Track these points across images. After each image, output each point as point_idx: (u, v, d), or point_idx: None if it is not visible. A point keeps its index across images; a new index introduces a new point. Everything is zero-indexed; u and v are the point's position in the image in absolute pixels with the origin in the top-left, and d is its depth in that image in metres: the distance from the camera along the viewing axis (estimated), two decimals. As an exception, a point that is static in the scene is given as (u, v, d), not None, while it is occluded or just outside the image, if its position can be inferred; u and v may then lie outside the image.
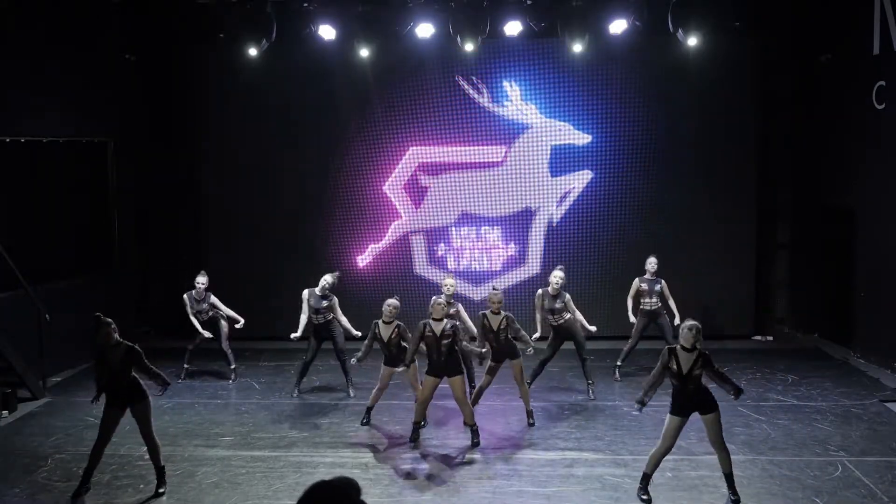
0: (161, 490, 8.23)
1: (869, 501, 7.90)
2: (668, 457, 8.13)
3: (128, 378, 8.14)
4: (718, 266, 14.07)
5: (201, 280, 11.91)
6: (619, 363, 12.02)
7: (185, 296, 11.99)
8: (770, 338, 14.36)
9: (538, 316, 11.09)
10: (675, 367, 7.75)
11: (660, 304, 11.77)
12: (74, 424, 10.28)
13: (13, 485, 8.48)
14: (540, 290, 11.06)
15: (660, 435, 7.96)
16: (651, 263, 11.82)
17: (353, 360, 10.11)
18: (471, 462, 9.06)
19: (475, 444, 9.47)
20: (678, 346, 7.81)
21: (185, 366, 12.10)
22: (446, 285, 10.97)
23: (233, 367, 12.15)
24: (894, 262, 12.01)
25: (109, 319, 8.16)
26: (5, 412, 10.59)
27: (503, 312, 9.93)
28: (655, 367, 7.94)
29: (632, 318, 11.98)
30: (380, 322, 9.92)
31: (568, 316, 10.93)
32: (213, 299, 12.00)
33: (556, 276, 10.91)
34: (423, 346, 9.55)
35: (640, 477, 8.13)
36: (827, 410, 10.54)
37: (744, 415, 10.35)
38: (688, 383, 7.73)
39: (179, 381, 11.91)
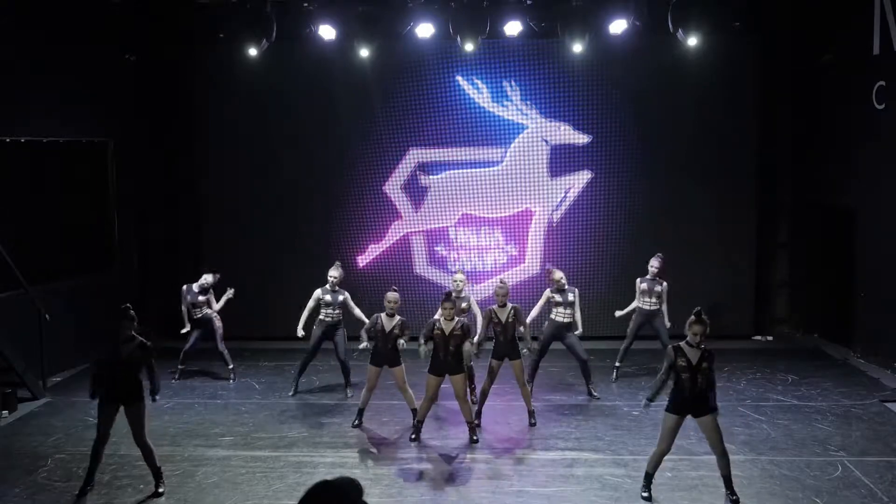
0: (160, 490, 8.23)
1: (869, 501, 7.90)
2: (668, 457, 8.13)
3: (134, 374, 8.13)
4: (718, 266, 14.07)
5: (208, 279, 11.94)
6: (617, 364, 12.01)
7: (183, 287, 11.99)
8: (770, 338, 14.36)
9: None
10: (683, 362, 7.71)
11: (658, 306, 11.73)
12: (74, 424, 10.28)
13: (13, 485, 8.48)
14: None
15: (658, 435, 7.97)
16: (653, 264, 11.77)
17: (363, 345, 10.02)
18: (471, 462, 9.06)
19: (474, 442, 9.48)
20: (683, 343, 7.79)
21: (179, 366, 12.06)
22: (455, 281, 10.96)
23: (230, 367, 12.13)
24: (894, 262, 12.02)
25: (134, 314, 8.18)
26: (5, 412, 10.59)
27: (509, 304, 9.99)
28: (663, 367, 7.92)
29: (620, 313, 11.88)
30: (382, 315, 9.91)
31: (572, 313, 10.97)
32: (210, 297, 12.03)
33: (556, 276, 10.93)
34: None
35: (640, 477, 8.14)
36: (827, 410, 10.54)
37: (744, 415, 10.36)
38: (698, 377, 7.68)
39: (174, 381, 11.91)
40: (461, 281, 10.98)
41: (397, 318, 9.89)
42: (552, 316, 11.02)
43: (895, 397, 10.99)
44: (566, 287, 10.93)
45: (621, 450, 9.28)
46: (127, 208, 14.33)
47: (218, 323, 12.01)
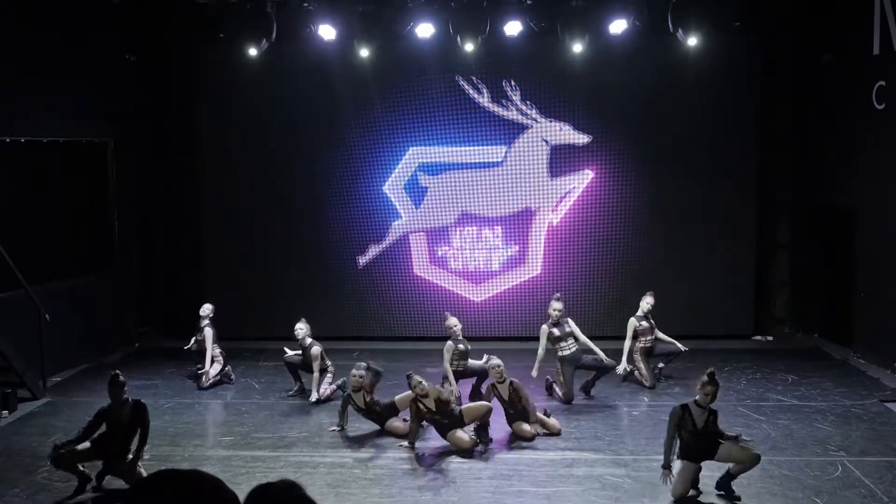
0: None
1: (869, 501, 7.90)
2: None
3: (131, 436, 8.25)
4: (718, 266, 14.06)
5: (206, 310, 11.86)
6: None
7: (209, 329, 11.80)
8: (770, 338, 14.34)
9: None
10: (690, 426, 7.81)
11: (656, 339, 11.60)
12: (74, 424, 10.21)
13: (13, 485, 8.49)
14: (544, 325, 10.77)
15: (659, 434, 7.98)
16: (648, 301, 11.49)
17: (334, 429, 9.87)
18: (471, 462, 9.05)
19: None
20: (692, 403, 7.86)
21: (197, 368, 11.84)
22: (451, 327, 10.89)
23: (227, 368, 12.08)
24: (894, 262, 12.01)
25: (124, 379, 8.27)
26: (5, 412, 10.59)
27: (507, 380, 9.70)
28: (668, 428, 7.91)
29: (622, 367, 11.28)
30: (350, 394, 9.75)
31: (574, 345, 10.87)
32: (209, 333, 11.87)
33: (555, 306, 10.84)
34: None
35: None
36: (827, 410, 10.53)
37: (744, 415, 10.35)
38: (702, 440, 7.81)
39: (201, 388, 11.73)
40: (456, 325, 10.90)
41: (362, 392, 9.71)
42: (560, 354, 10.87)
43: (895, 397, 10.99)
44: (560, 319, 10.84)
45: (621, 450, 9.28)
46: (127, 208, 14.33)
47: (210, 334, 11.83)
